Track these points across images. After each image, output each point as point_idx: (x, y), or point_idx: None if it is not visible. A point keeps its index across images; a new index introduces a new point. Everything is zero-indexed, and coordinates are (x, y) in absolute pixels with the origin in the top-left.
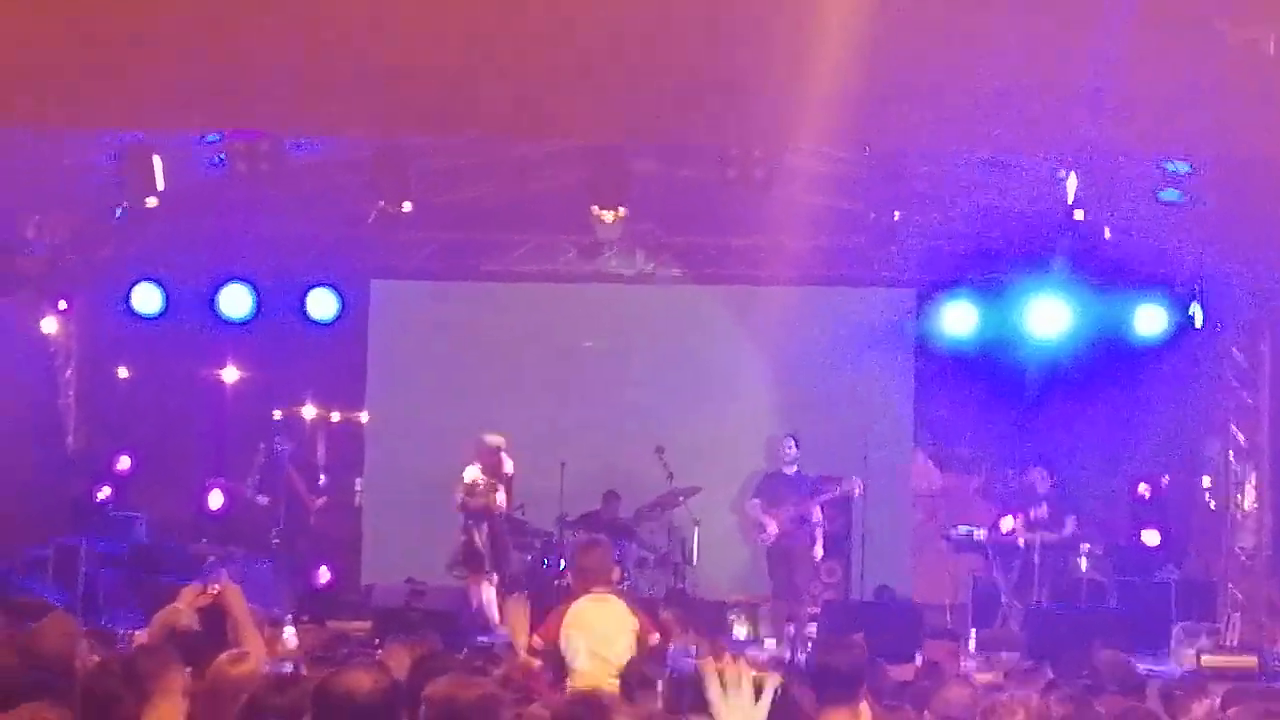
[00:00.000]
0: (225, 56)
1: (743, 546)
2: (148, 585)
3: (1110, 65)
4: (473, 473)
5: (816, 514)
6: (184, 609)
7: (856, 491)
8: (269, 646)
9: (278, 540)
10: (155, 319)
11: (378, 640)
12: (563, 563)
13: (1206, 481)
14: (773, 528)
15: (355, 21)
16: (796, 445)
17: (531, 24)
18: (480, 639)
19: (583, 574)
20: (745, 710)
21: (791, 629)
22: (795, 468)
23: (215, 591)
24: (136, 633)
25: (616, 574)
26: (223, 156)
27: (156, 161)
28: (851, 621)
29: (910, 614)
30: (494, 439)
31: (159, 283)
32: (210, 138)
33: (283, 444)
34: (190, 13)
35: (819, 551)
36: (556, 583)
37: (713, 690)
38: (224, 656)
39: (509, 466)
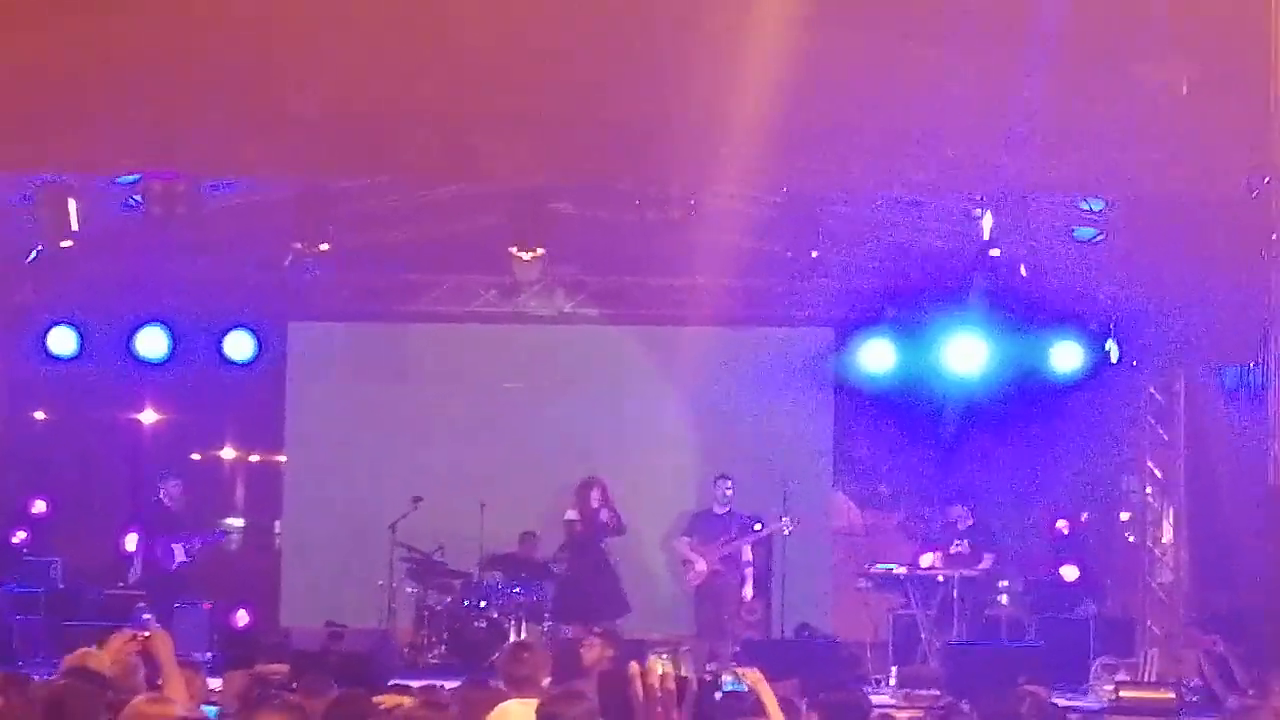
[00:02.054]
0: (143, 98)
1: (666, 585)
2: (63, 630)
3: (1026, 106)
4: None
5: (747, 553)
6: (96, 652)
7: (787, 530)
8: (190, 690)
9: (197, 584)
10: (71, 361)
11: (295, 683)
12: (483, 603)
13: (1125, 517)
14: (701, 565)
15: (275, 64)
16: (731, 486)
17: (451, 69)
18: (397, 681)
19: (511, 680)
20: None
21: (714, 667)
22: (728, 507)
23: (144, 637)
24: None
25: (547, 681)
26: (138, 198)
27: (72, 204)
28: (774, 660)
29: (833, 651)
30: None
31: (74, 325)
32: (126, 179)
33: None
34: (108, 55)
35: (749, 591)
36: (476, 624)
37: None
38: (141, 699)
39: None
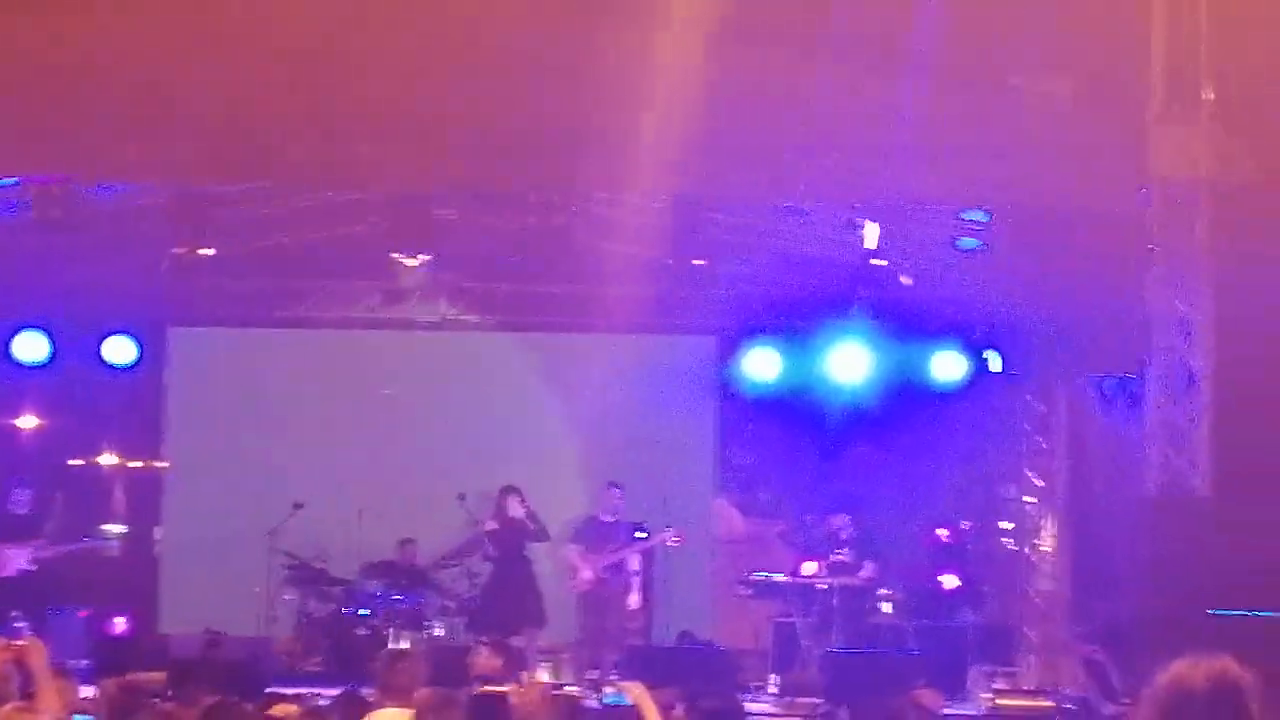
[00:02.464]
0: (24, 101)
1: (550, 592)
2: None
3: (909, 116)
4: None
5: (633, 562)
6: None
7: (671, 541)
8: (64, 700)
9: (73, 590)
10: None
11: (171, 691)
12: (363, 610)
13: (1005, 525)
14: (586, 573)
15: (157, 66)
16: (621, 494)
17: (335, 73)
18: (275, 689)
19: (388, 689)
20: None
21: (595, 675)
22: (615, 516)
23: (19, 645)
24: None
25: (424, 693)
26: (17, 201)
27: None
28: (655, 667)
29: (715, 659)
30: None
31: None
32: (5, 182)
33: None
34: None
35: (635, 599)
36: (356, 631)
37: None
38: (9, 708)
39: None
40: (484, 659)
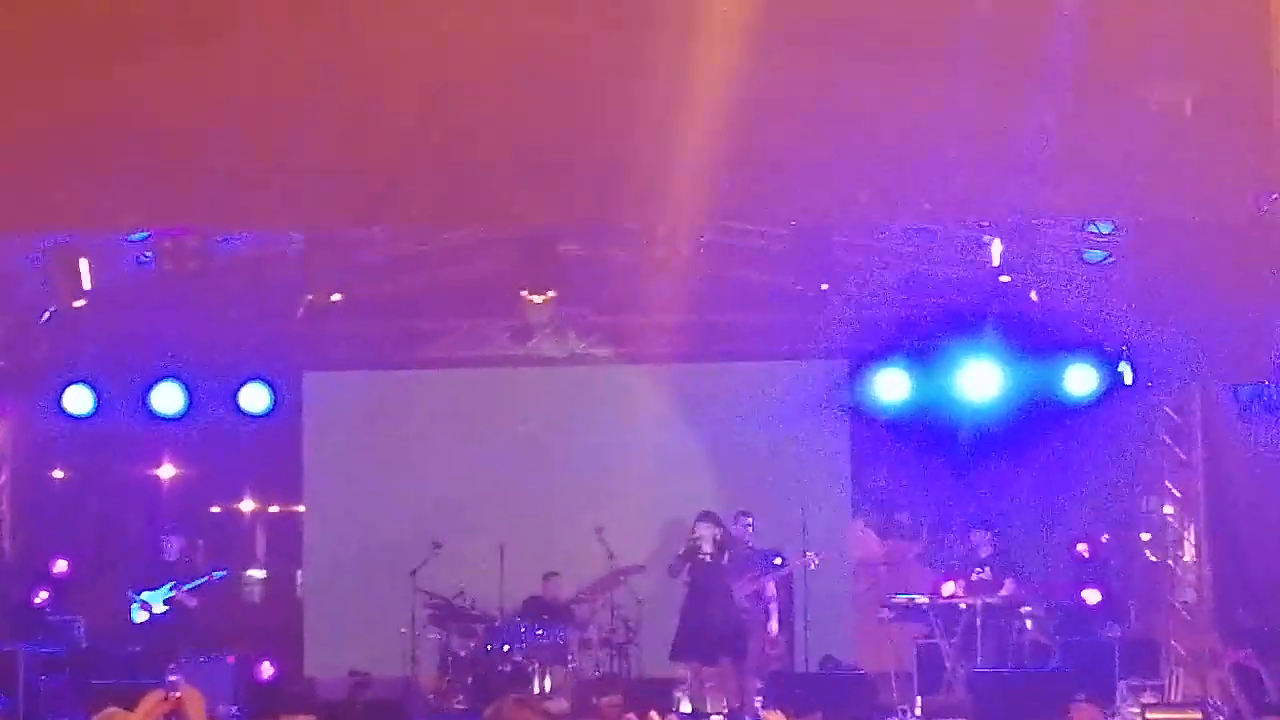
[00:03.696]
0: (150, 154)
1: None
2: (88, 689)
3: (1032, 131)
4: None
5: (770, 589)
6: (122, 713)
7: (813, 564)
8: None
9: (219, 637)
10: (88, 419)
11: None
12: (506, 647)
13: (1145, 537)
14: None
15: (280, 115)
16: (752, 522)
17: (456, 115)
18: None
19: None
20: None
21: (736, 705)
22: (749, 543)
23: (177, 697)
24: None
25: None
26: (150, 255)
27: (83, 263)
28: (798, 694)
29: (858, 684)
30: None
31: (90, 383)
32: (137, 236)
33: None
34: (113, 111)
35: (774, 626)
36: (500, 668)
37: None
38: None
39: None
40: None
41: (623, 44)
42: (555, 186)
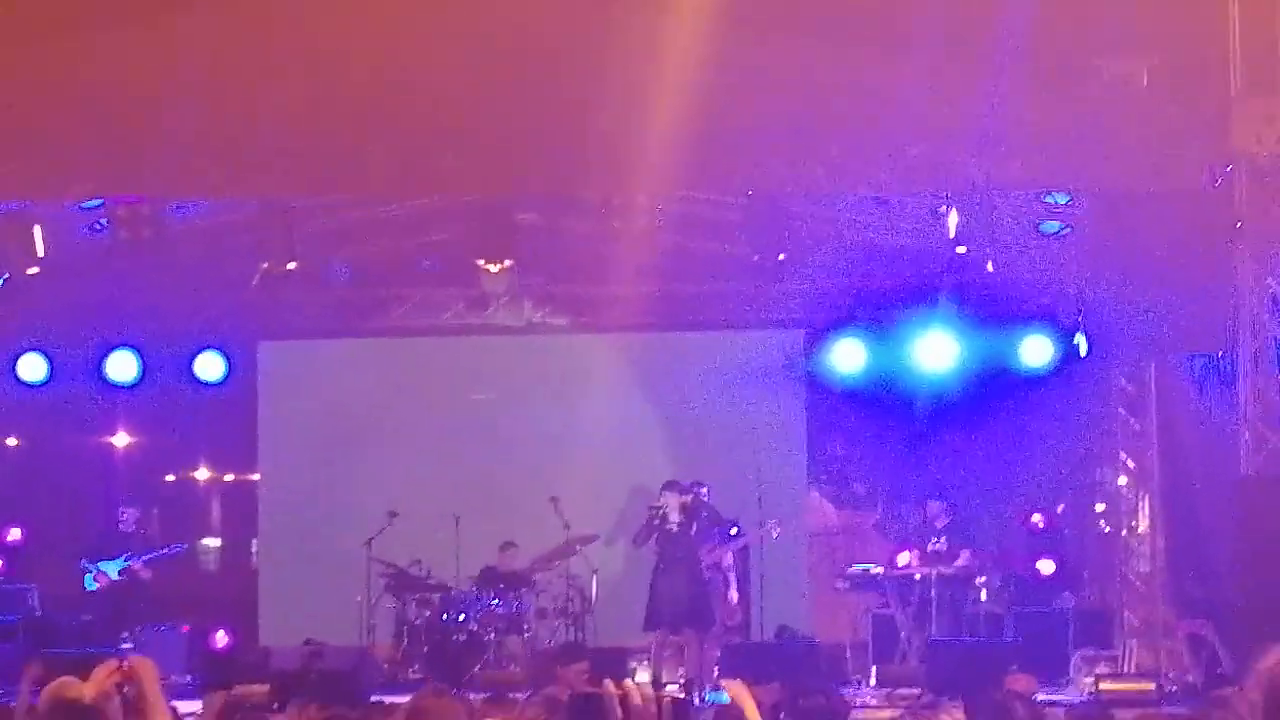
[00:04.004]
0: (105, 122)
1: (643, 592)
2: (41, 657)
3: (989, 102)
4: None
5: (729, 559)
6: (75, 681)
7: (774, 534)
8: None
9: (173, 605)
10: (41, 387)
11: (277, 704)
12: (462, 616)
13: (1100, 508)
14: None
15: (236, 84)
16: (708, 492)
17: (413, 83)
18: (376, 698)
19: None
20: None
21: (695, 672)
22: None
23: (129, 667)
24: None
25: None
26: (104, 222)
27: (36, 230)
28: (755, 664)
29: (813, 653)
30: None
31: (44, 351)
32: (90, 204)
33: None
34: (67, 82)
35: (734, 595)
36: (455, 637)
37: (612, 711)
38: None
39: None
40: (576, 670)
41: (583, 17)
42: (513, 157)
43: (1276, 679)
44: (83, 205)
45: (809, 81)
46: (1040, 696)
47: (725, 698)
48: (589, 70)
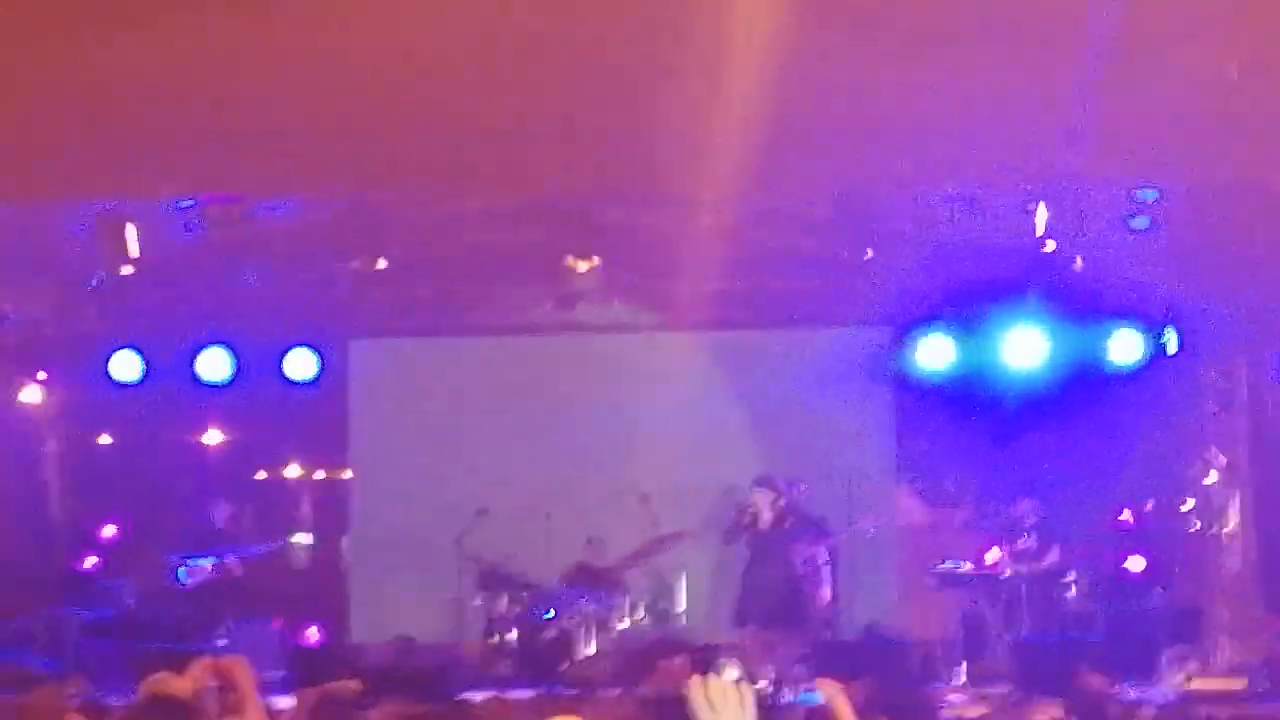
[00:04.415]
0: (194, 122)
1: (732, 591)
2: (138, 653)
3: (1076, 96)
4: None
5: (823, 556)
6: (174, 678)
7: (870, 532)
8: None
9: (266, 601)
10: (135, 386)
11: (369, 700)
12: (552, 613)
13: (1189, 505)
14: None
15: (323, 79)
16: (805, 489)
17: (499, 81)
18: (465, 695)
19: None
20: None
21: (783, 669)
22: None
23: (224, 664)
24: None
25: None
26: (197, 221)
27: (130, 229)
28: (843, 661)
29: (902, 651)
30: None
31: (138, 349)
32: (183, 203)
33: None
34: (157, 79)
35: (827, 592)
36: (545, 634)
37: (699, 707)
38: None
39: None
40: (678, 664)
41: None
42: (597, 154)
43: None
44: (176, 204)
45: (895, 79)
46: (1132, 694)
47: (818, 698)
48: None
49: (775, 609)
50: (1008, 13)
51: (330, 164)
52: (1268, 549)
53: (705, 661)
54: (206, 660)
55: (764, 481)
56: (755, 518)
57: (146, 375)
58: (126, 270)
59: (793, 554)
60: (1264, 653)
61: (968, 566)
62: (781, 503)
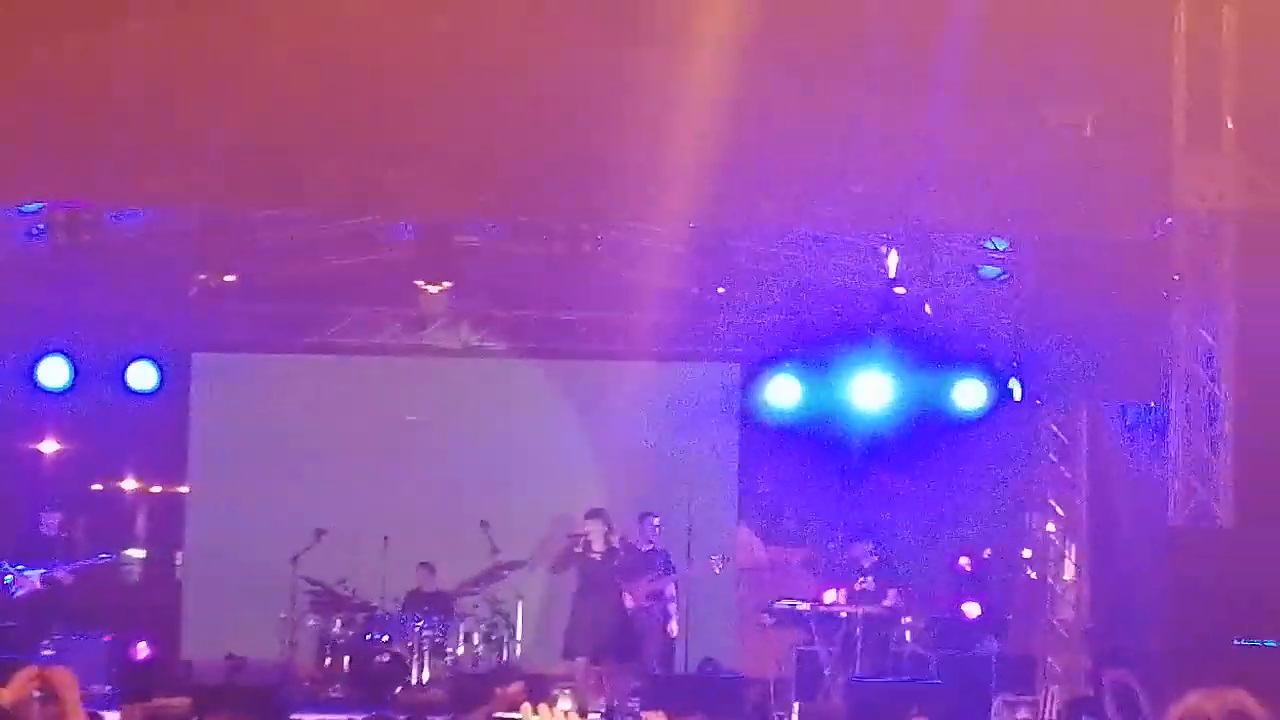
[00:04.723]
0: (49, 127)
1: (567, 619)
2: None
3: (933, 145)
4: None
5: (671, 590)
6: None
7: (718, 569)
8: None
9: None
10: None
11: (196, 717)
12: (386, 636)
13: (1027, 554)
14: (629, 601)
15: (183, 94)
16: (659, 523)
17: (364, 102)
18: (295, 716)
19: None
20: None
21: (615, 701)
22: (652, 545)
23: (47, 674)
24: None
25: None
26: (42, 226)
27: None
28: (677, 696)
29: (736, 687)
30: None
31: None
32: (30, 208)
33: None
34: (13, 86)
35: (674, 627)
36: (378, 657)
37: None
38: None
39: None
40: (514, 691)
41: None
42: (456, 179)
43: None
44: (22, 209)
45: (751, 115)
46: None
47: None
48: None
49: (606, 641)
50: (869, 60)
51: (183, 175)
52: (1101, 600)
53: (539, 691)
54: (31, 669)
55: (595, 514)
56: (586, 548)
57: None
58: None
59: (635, 587)
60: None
61: (805, 605)
62: (613, 536)
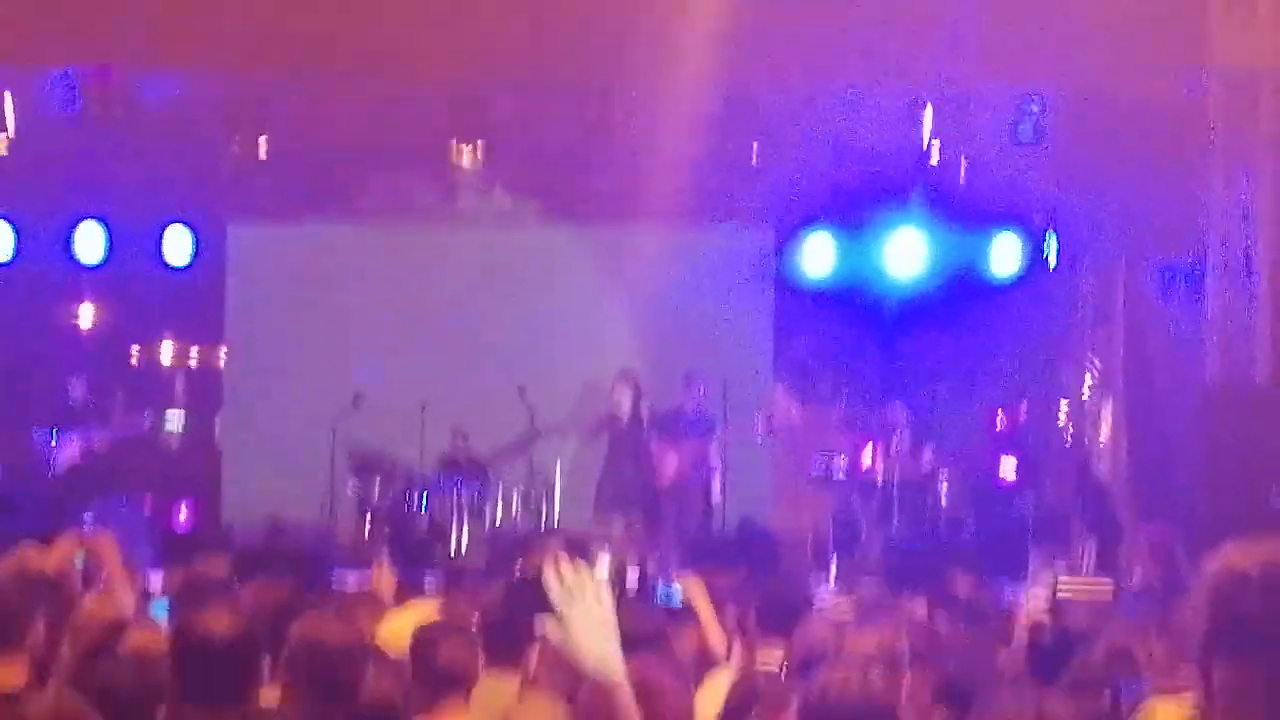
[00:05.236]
0: None
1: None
2: (2, 532)
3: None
4: None
5: (714, 455)
6: (36, 553)
7: (760, 437)
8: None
9: (136, 481)
10: (7, 263)
11: (238, 579)
12: (425, 501)
13: (1063, 411)
14: (669, 466)
15: None
16: (704, 388)
17: None
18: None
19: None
20: (590, 609)
21: (650, 563)
22: (699, 407)
23: (90, 541)
24: None
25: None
26: (69, 94)
27: (7, 101)
28: (717, 554)
29: (774, 544)
30: None
31: (11, 223)
32: (57, 71)
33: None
34: None
35: (717, 489)
36: (417, 522)
37: (555, 591)
38: (90, 600)
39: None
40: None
41: None
42: (487, 43)
43: (1221, 581)
44: (55, 77)
45: None
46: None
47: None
48: None
49: (636, 504)
50: None
51: (209, 38)
52: (1139, 456)
53: (578, 548)
54: (72, 535)
55: (624, 375)
56: (615, 409)
57: (19, 251)
58: (1, 142)
59: (665, 452)
60: (1130, 558)
61: (842, 459)
62: (643, 401)
